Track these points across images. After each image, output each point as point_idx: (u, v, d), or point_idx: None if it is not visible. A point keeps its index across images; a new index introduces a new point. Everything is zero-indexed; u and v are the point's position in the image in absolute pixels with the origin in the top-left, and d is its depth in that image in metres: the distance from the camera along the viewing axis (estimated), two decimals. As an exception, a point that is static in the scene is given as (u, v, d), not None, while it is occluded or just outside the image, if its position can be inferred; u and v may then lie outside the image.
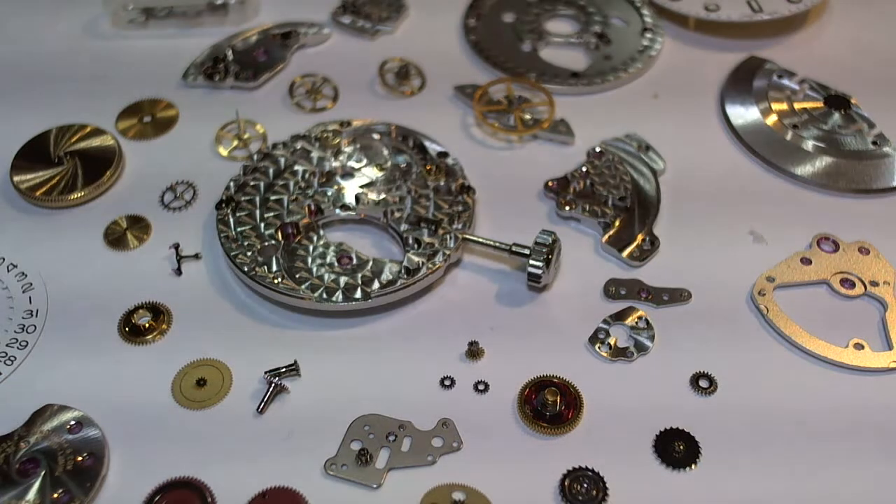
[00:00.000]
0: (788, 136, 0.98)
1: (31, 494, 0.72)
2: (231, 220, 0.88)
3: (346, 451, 0.76)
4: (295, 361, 0.81)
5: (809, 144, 0.97)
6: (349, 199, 0.91)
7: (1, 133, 1.00)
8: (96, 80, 1.06)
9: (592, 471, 0.74)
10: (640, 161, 0.95)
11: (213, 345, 0.83)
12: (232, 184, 0.91)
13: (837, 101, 1.01)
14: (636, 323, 0.83)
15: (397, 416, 0.78)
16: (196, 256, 0.89)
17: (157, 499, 0.73)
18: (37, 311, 0.85)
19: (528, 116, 1.00)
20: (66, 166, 0.95)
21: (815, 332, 0.82)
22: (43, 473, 0.74)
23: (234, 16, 1.12)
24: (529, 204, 0.93)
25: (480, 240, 0.86)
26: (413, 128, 0.97)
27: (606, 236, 0.89)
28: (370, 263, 0.86)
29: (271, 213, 0.89)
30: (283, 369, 0.80)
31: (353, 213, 0.91)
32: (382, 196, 0.91)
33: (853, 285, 0.86)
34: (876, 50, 1.09)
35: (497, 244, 0.86)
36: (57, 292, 0.87)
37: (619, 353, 0.82)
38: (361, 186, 0.92)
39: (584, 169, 0.95)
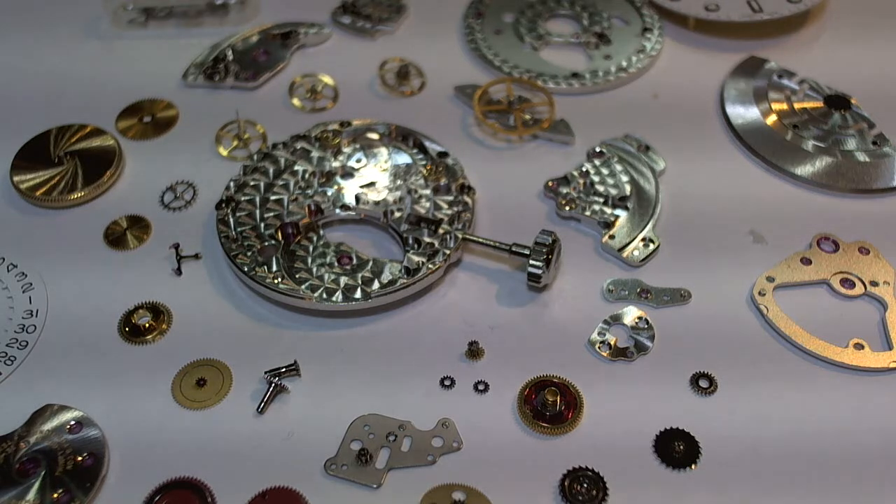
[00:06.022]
0: (788, 136, 0.98)
1: (31, 494, 0.72)
2: (231, 220, 0.88)
3: (346, 451, 0.76)
4: (295, 361, 0.81)
5: (809, 144, 0.97)
6: (349, 199, 0.91)
7: (1, 133, 1.00)
8: (96, 80, 1.06)
9: (592, 471, 0.74)
10: (640, 161, 0.95)
11: (213, 345, 0.83)
12: (232, 184, 0.91)
13: (837, 101, 1.01)
14: (636, 323, 0.83)
15: (397, 416, 0.78)
16: (196, 256, 0.89)
17: (157, 499, 0.73)
18: (37, 311, 0.85)
19: (528, 116, 1.00)
20: (66, 166, 0.95)
21: (815, 332, 0.82)
22: (43, 473, 0.73)
23: (234, 16, 1.12)
24: (529, 204, 0.93)
25: (480, 240, 0.86)
26: (413, 128, 0.97)
27: (606, 236, 0.89)
28: (370, 263, 0.86)
29: (271, 213, 0.89)
30: (283, 369, 0.80)
31: (353, 213, 0.91)
32: (382, 196, 0.91)
33: (853, 285, 0.86)
34: (876, 50, 1.09)
35: (497, 244, 0.86)
36: (57, 292, 0.87)
37: (619, 353, 0.82)
38: (361, 186, 0.92)
39: (584, 169, 0.95)
